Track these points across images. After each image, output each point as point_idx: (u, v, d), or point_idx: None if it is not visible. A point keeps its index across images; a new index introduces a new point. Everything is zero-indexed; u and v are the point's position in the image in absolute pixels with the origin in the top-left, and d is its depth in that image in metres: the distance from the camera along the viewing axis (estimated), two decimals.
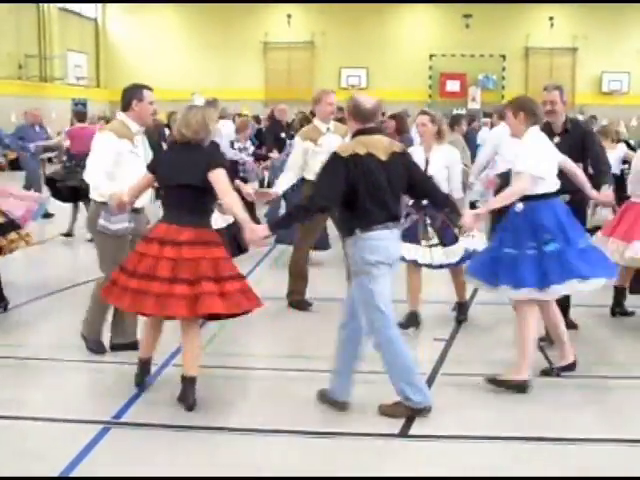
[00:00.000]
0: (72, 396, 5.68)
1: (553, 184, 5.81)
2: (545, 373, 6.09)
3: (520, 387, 5.72)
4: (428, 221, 7.18)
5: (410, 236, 7.05)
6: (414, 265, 7.20)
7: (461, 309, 7.58)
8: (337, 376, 5.44)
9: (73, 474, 4.41)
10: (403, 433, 5.04)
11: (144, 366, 5.76)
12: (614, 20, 31.31)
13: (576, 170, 6.35)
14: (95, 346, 6.53)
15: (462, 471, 4.54)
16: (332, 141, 7.45)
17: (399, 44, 32.88)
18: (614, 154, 9.95)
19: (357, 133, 5.28)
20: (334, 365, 5.42)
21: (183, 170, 5.40)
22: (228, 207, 5.54)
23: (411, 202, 7.14)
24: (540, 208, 5.73)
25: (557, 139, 6.55)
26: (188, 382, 5.40)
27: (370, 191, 5.09)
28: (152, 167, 5.69)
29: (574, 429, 5.13)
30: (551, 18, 32.37)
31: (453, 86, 33.04)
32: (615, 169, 9.71)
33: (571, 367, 6.10)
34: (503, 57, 32.59)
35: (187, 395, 5.36)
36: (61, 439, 4.90)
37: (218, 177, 5.36)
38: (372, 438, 4.97)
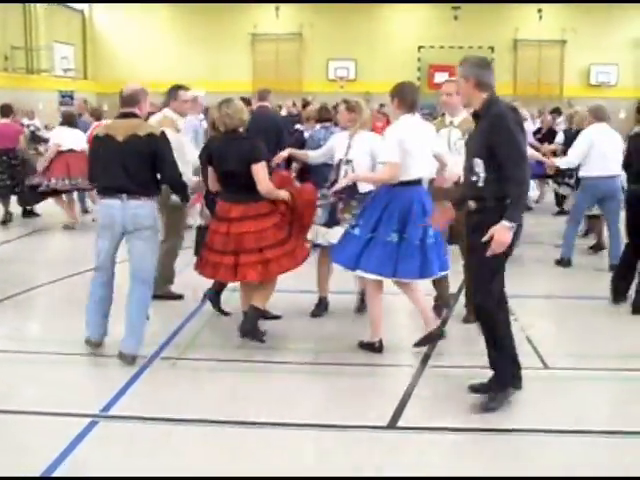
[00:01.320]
0: (60, 389, 5.66)
1: (414, 172, 6.17)
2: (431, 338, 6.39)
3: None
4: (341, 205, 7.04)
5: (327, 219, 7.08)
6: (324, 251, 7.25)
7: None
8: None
9: (61, 468, 4.40)
10: (391, 424, 5.05)
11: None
12: (603, 13, 31.33)
13: (447, 161, 6.65)
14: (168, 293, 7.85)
15: (451, 462, 4.55)
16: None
17: (388, 36, 32.82)
18: None
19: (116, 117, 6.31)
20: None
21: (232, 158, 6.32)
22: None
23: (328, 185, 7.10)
24: (397, 194, 6.17)
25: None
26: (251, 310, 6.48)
27: (101, 165, 6.13)
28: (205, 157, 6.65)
29: (569, 421, 5.13)
30: (539, 10, 32.36)
31: (442, 78, 32.75)
32: None
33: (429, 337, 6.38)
34: (492, 49, 32.50)
35: (245, 320, 6.47)
36: (49, 432, 4.89)
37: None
38: (360, 430, 4.97)
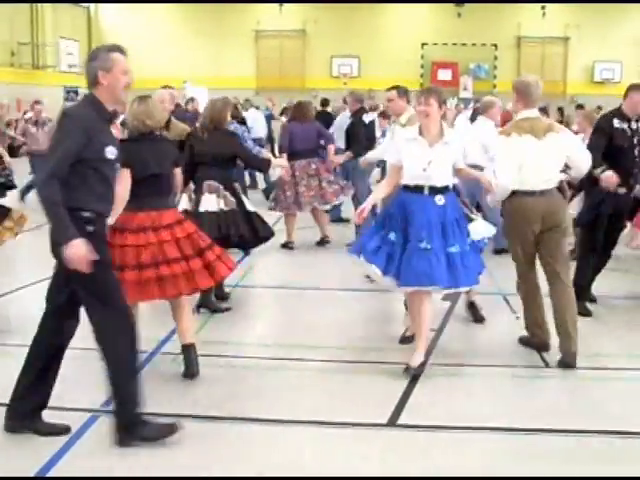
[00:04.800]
0: (60, 384, 5.65)
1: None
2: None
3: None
4: None
5: None
6: None
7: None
8: None
9: (60, 463, 4.41)
10: (392, 423, 5.05)
11: None
12: (606, 9, 31.27)
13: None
14: None
15: (451, 461, 4.55)
16: None
17: (391, 33, 32.80)
18: None
19: None
20: None
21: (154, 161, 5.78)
22: None
23: None
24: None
25: None
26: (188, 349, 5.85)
27: None
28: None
29: (567, 420, 5.13)
30: (543, 7, 32.32)
31: (445, 75, 32.97)
32: None
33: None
34: (495, 46, 32.54)
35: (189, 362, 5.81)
36: None
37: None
38: (360, 427, 4.98)
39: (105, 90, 4.58)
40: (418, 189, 5.87)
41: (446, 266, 5.74)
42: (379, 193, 6.29)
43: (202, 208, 7.33)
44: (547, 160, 6.20)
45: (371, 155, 8.96)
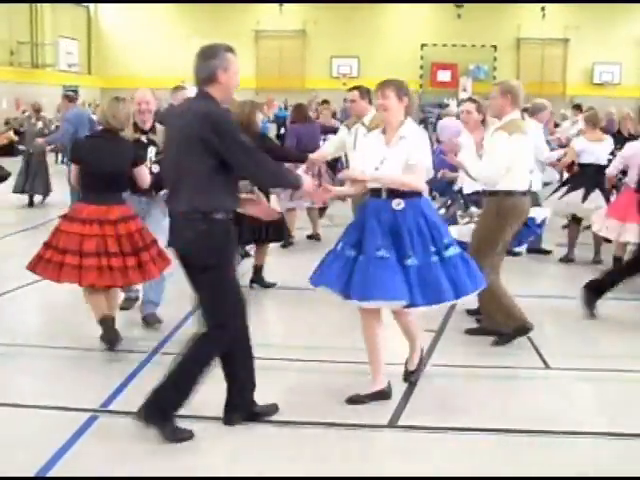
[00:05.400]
0: (59, 384, 5.67)
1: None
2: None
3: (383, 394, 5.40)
4: None
5: None
6: None
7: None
8: None
9: (58, 464, 4.39)
10: (392, 424, 5.05)
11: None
12: (606, 11, 31.30)
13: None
14: None
15: (451, 462, 4.55)
16: None
17: (391, 34, 32.82)
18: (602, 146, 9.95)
19: None
20: None
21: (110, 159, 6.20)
22: None
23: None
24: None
25: None
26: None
27: None
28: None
29: (565, 422, 5.12)
30: (543, 9, 32.34)
31: (444, 76, 33.02)
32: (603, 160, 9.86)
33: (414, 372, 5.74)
34: (494, 47, 32.57)
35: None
36: (48, 427, 4.88)
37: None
38: (360, 428, 4.97)
39: (221, 88, 4.61)
40: (375, 192, 5.31)
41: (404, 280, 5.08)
42: (345, 188, 5.86)
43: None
44: (530, 159, 6.55)
45: (317, 154, 8.70)
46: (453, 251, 5.28)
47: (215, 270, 4.61)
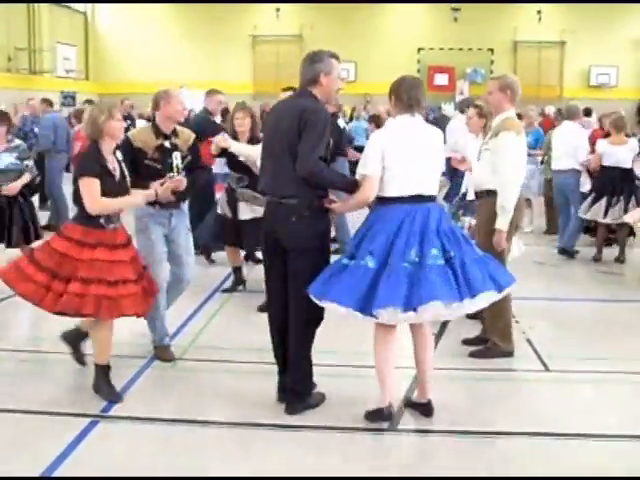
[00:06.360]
0: (60, 389, 5.67)
1: (397, 187, 4.98)
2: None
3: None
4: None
5: None
6: None
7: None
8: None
9: (60, 468, 4.41)
10: (392, 427, 5.05)
11: None
12: (602, 13, 31.29)
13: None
14: None
15: (451, 465, 4.56)
16: None
17: (387, 37, 32.81)
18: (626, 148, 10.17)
19: None
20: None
21: None
22: None
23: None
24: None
25: None
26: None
27: None
28: None
29: (566, 424, 5.13)
30: (539, 12, 32.33)
31: (441, 80, 32.98)
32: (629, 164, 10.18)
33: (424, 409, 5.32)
34: (491, 51, 32.54)
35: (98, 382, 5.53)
36: (49, 432, 4.89)
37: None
38: (360, 432, 4.98)
39: (322, 90, 5.09)
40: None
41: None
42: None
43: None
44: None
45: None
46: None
47: (316, 252, 5.06)
